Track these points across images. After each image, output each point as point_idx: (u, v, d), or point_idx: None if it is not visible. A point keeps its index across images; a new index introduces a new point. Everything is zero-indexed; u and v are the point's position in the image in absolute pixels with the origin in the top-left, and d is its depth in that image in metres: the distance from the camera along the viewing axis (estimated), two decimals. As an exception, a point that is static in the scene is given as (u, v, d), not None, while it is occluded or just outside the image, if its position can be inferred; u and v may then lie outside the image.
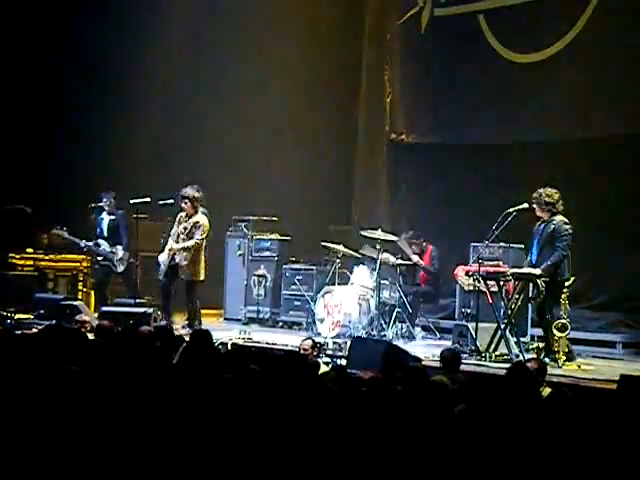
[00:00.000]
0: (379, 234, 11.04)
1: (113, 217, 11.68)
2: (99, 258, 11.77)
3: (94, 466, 4.31)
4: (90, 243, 11.72)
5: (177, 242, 10.62)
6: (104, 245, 11.71)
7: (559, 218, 9.00)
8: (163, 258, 10.70)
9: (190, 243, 10.52)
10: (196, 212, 10.64)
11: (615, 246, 10.86)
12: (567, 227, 8.96)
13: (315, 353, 7.85)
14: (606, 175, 10.85)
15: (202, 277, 10.73)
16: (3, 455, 4.36)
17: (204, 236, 10.56)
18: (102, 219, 11.88)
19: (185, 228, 10.64)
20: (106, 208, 11.79)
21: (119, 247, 11.66)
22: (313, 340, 8.26)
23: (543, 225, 9.09)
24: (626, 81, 10.64)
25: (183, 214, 10.69)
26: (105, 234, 11.80)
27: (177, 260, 10.54)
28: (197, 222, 10.59)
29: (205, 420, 4.56)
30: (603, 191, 10.88)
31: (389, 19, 13.39)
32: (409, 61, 13.15)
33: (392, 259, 11.08)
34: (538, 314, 9.19)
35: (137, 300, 11.24)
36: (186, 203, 10.59)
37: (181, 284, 10.86)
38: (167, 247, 10.71)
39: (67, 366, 5.13)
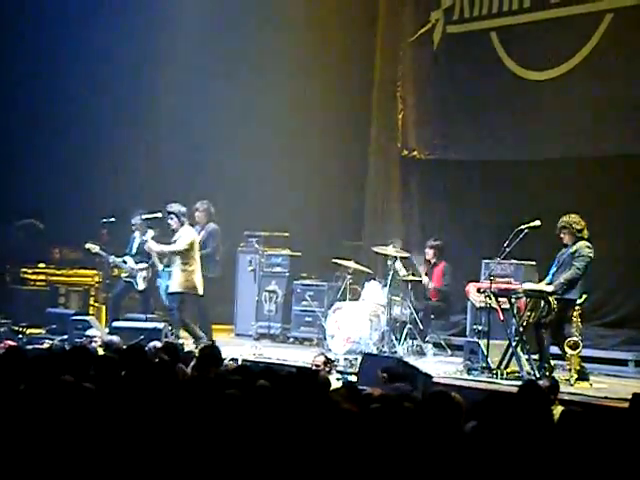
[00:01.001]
0: (391, 250, 11.04)
1: (145, 238, 11.73)
2: (123, 275, 11.79)
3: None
4: (119, 259, 11.80)
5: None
6: (130, 262, 11.76)
7: (583, 243, 9.05)
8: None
9: (170, 248, 10.61)
10: (182, 225, 10.66)
11: (628, 263, 10.82)
12: (589, 251, 9.00)
13: (327, 369, 7.83)
14: (620, 192, 10.85)
15: (200, 291, 10.72)
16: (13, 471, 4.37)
17: (185, 248, 10.53)
18: (134, 238, 11.92)
19: (169, 243, 10.74)
20: (136, 228, 11.84)
21: (143, 265, 11.73)
22: (326, 356, 8.24)
23: (567, 249, 9.12)
24: (637, 100, 10.62)
25: (172, 230, 10.74)
26: (133, 252, 11.85)
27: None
28: (181, 235, 10.63)
29: (211, 436, 4.55)
30: (616, 208, 10.86)
31: (401, 36, 13.41)
32: (421, 78, 13.16)
33: (403, 271, 11.04)
34: (539, 329, 9.14)
35: (148, 316, 11.25)
36: (172, 219, 10.64)
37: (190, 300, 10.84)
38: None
39: (80, 383, 5.14)
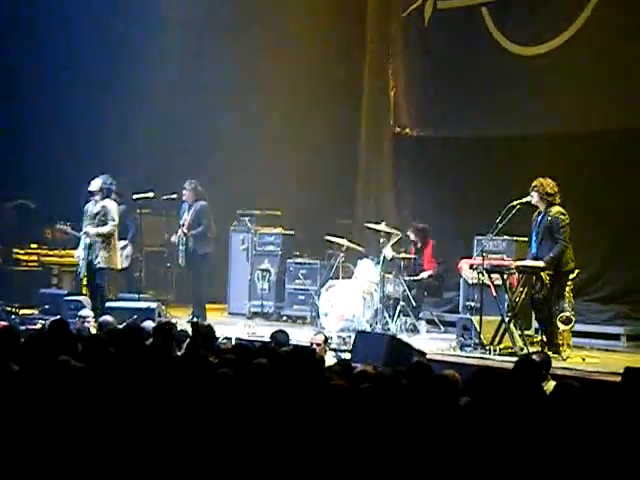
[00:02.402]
0: (383, 227, 11.04)
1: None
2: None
3: (95, 464, 4.32)
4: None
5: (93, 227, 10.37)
6: None
7: (556, 209, 9.01)
8: (78, 253, 10.56)
9: (107, 228, 10.28)
10: (103, 199, 10.39)
11: (619, 239, 10.84)
12: (564, 217, 8.97)
13: (326, 348, 7.84)
14: (611, 169, 10.84)
15: (119, 266, 10.68)
16: (6, 452, 4.37)
17: (117, 222, 10.38)
18: None
19: (92, 218, 10.39)
20: None
21: (123, 242, 11.61)
22: (324, 334, 8.27)
23: (540, 216, 9.10)
24: (630, 74, 10.60)
25: (90, 203, 10.46)
26: None
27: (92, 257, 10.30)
28: (104, 206, 10.36)
29: (205, 415, 4.56)
30: (608, 184, 10.86)
31: (392, 12, 13.36)
32: (413, 54, 13.12)
33: (391, 253, 11.03)
34: (536, 307, 9.17)
35: (141, 295, 11.25)
36: (97, 193, 10.37)
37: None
38: (81, 241, 10.51)
39: (71, 362, 5.14)
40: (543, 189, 9.01)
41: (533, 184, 9.10)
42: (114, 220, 10.35)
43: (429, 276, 11.30)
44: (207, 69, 13.84)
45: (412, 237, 11.46)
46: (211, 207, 11.76)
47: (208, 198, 11.79)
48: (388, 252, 10.96)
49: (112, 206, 10.43)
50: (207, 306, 11.82)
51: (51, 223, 12.99)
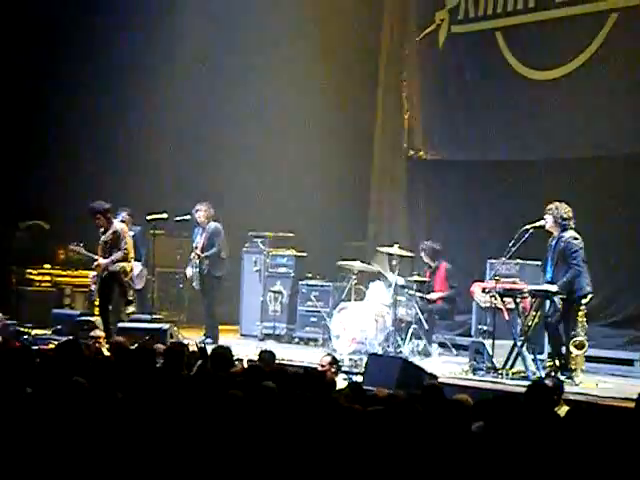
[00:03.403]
0: (396, 250, 11.03)
1: (132, 233, 11.65)
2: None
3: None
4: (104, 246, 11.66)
5: (104, 257, 10.52)
6: None
7: (569, 234, 8.99)
8: (92, 275, 10.72)
9: (119, 255, 10.43)
10: (110, 223, 10.54)
11: (634, 263, 10.80)
12: (577, 242, 8.94)
13: (334, 370, 7.82)
14: (624, 192, 10.83)
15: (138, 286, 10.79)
16: (20, 473, 4.37)
17: (129, 244, 10.52)
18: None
19: (106, 242, 10.55)
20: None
21: (137, 264, 11.63)
22: (332, 356, 8.24)
23: (555, 241, 9.08)
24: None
25: (101, 230, 10.57)
26: None
27: (110, 268, 10.43)
28: (115, 232, 10.50)
29: (215, 437, 4.56)
30: (622, 208, 10.85)
31: (407, 36, 13.41)
32: (426, 78, 13.16)
33: (401, 281, 11.01)
34: (548, 331, 9.13)
35: (153, 316, 11.25)
36: (99, 218, 10.49)
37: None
38: (95, 264, 10.63)
39: (84, 384, 5.15)
40: (557, 213, 9.00)
41: (547, 207, 9.09)
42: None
43: (440, 298, 11.24)
44: (219, 92, 13.90)
45: (423, 256, 11.41)
46: (224, 228, 11.78)
47: (221, 219, 11.81)
48: (400, 280, 10.93)
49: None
50: (219, 327, 11.82)
51: (64, 243, 13.05)
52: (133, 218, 11.85)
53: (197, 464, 4.40)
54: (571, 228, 9.02)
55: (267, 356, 7.80)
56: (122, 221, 11.22)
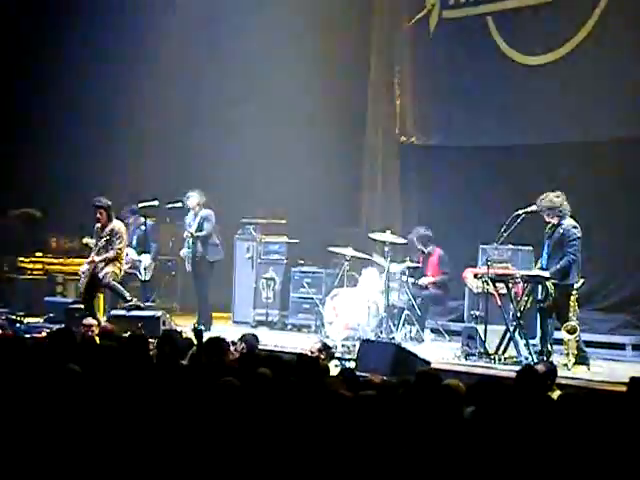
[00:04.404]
0: (388, 237, 11.03)
1: (143, 228, 11.71)
2: (126, 266, 11.64)
3: (100, 472, 4.32)
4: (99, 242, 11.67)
5: (98, 254, 10.62)
6: (131, 254, 11.71)
7: (567, 222, 8.98)
8: (84, 269, 10.78)
9: (111, 254, 10.55)
10: (110, 220, 10.64)
11: (625, 248, 10.83)
12: (575, 231, 8.94)
13: (323, 356, 7.84)
14: (618, 177, 10.83)
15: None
16: (12, 460, 4.38)
17: (123, 244, 10.66)
18: (134, 230, 11.91)
19: (100, 238, 10.65)
20: (130, 224, 11.77)
21: (146, 256, 11.69)
22: (323, 343, 8.25)
23: (553, 229, 9.08)
24: (636, 84, 10.61)
25: (98, 225, 10.69)
26: (134, 244, 11.83)
27: (100, 274, 10.53)
28: (112, 230, 10.61)
29: (209, 424, 4.56)
30: (615, 193, 10.87)
31: (398, 22, 13.38)
32: (418, 63, 13.13)
33: (394, 267, 11.02)
34: (540, 316, 9.15)
35: (146, 304, 11.25)
36: (101, 213, 10.61)
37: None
38: (88, 259, 10.75)
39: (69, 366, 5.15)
40: (544, 206, 8.99)
41: (540, 198, 9.06)
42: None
43: (431, 283, 11.25)
44: (214, 81, 13.87)
45: (415, 242, 11.41)
46: (216, 215, 11.76)
47: (213, 206, 11.79)
48: (393, 266, 10.94)
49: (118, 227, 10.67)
50: (212, 314, 11.82)
51: (56, 232, 13.06)
52: (138, 213, 11.86)
53: (192, 451, 4.41)
54: (570, 216, 9.01)
55: (250, 338, 7.87)
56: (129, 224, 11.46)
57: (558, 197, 9.00)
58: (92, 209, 10.68)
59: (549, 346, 9.05)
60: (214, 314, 11.97)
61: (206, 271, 11.63)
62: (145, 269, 11.73)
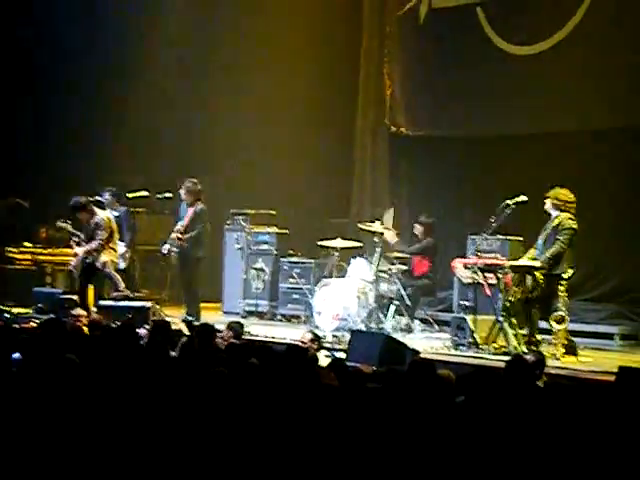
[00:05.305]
0: (377, 227, 11.04)
1: (116, 214, 11.59)
2: None
3: (93, 463, 4.32)
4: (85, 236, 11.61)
5: (82, 246, 10.75)
6: None
7: (565, 214, 9.05)
8: (74, 263, 10.86)
9: (94, 245, 10.62)
10: (93, 215, 10.68)
11: (615, 238, 10.86)
12: (571, 223, 9.00)
13: (315, 346, 7.85)
14: (606, 167, 10.86)
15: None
16: (5, 451, 4.37)
17: (106, 235, 10.66)
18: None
19: (87, 234, 10.74)
20: (107, 205, 11.67)
21: (121, 243, 11.59)
22: (314, 333, 8.26)
23: (550, 222, 9.14)
24: (625, 73, 10.63)
25: (84, 223, 10.76)
26: None
27: (97, 263, 10.63)
28: (97, 223, 10.67)
29: (200, 414, 4.57)
30: (603, 183, 10.88)
31: (387, 11, 13.36)
32: (408, 54, 13.13)
33: (385, 265, 11.04)
34: (529, 306, 9.19)
35: (135, 294, 11.22)
36: (81, 213, 10.68)
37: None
38: (73, 252, 10.87)
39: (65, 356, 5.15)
40: (558, 199, 9.07)
41: (547, 195, 9.12)
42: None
43: (422, 274, 11.27)
44: (207, 75, 13.85)
45: (417, 229, 11.39)
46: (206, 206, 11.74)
47: (205, 198, 11.75)
48: (383, 263, 10.94)
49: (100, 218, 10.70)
50: (201, 305, 11.79)
51: (45, 222, 12.99)
52: (118, 198, 11.79)
53: (184, 442, 4.42)
54: (571, 212, 9.07)
55: (236, 326, 7.94)
56: (104, 202, 11.31)
57: (566, 192, 9.07)
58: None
59: (537, 336, 9.09)
60: (204, 305, 11.95)
61: (193, 266, 11.53)
62: (120, 257, 11.43)
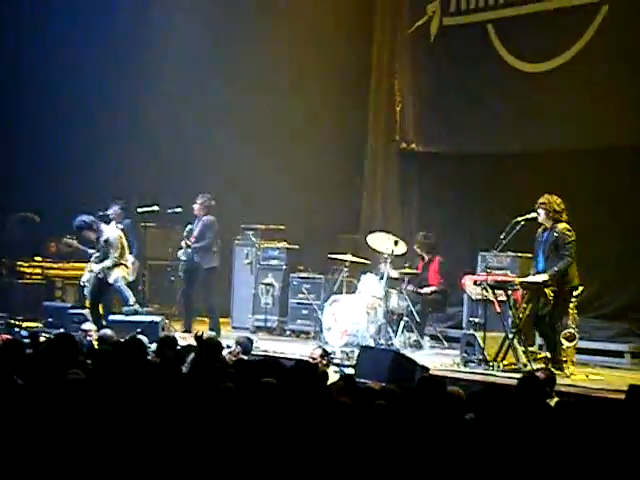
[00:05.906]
0: (385, 247, 11.01)
1: (121, 227, 11.63)
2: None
3: (100, 477, 4.32)
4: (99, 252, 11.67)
5: (97, 263, 10.74)
6: None
7: (562, 226, 9.02)
8: (85, 278, 10.89)
9: (108, 263, 10.63)
10: (100, 232, 10.69)
11: (624, 255, 10.83)
12: (570, 234, 8.98)
13: (325, 362, 7.84)
14: (615, 185, 10.85)
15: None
16: (11, 466, 4.37)
17: (119, 251, 10.68)
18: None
19: (99, 250, 10.75)
20: (113, 217, 11.73)
21: (129, 256, 11.62)
22: (323, 349, 8.25)
23: (546, 233, 9.11)
24: (633, 92, 10.62)
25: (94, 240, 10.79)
26: None
27: (109, 279, 10.64)
28: (107, 240, 10.68)
29: (207, 430, 4.56)
30: (613, 201, 10.87)
31: (398, 29, 13.38)
32: (418, 70, 13.14)
33: (395, 274, 11.04)
34: (539, 323, 9.15)
35: (145, 308, 11.24)
36: (87, 233, 10.69)
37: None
38: (87, 268, 10.86)
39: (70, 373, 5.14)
40: (550, 206, 9.03)
41: (540, 201, 9.10)
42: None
43: (432, 292, 11.27)
44: (211, 85, 13.89)
45: (417, 249, 11.41)
46: (217, 221, 11.76)
47: (216, 212, 11.79)
48: (392, 273, 10.95)
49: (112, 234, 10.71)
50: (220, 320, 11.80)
51: (55, 236, 13.03)
52: (125, 211, 11.84)
53: (192, 457, 4.41)
54: (564, 220, 9.04)
55: (245, 341, 7.92)
56: (109, 215, 11.38)
57: (562, 203, 9.04)
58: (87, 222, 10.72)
59: (548, 354, 9.05)
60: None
61: (205, 278, 11.58)
62: (131, 270, 11.54)
